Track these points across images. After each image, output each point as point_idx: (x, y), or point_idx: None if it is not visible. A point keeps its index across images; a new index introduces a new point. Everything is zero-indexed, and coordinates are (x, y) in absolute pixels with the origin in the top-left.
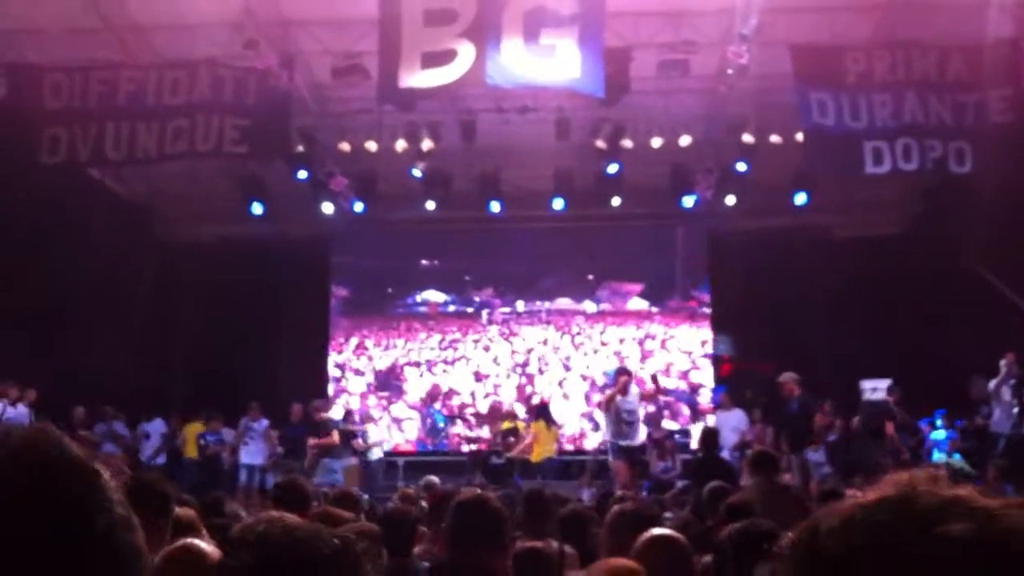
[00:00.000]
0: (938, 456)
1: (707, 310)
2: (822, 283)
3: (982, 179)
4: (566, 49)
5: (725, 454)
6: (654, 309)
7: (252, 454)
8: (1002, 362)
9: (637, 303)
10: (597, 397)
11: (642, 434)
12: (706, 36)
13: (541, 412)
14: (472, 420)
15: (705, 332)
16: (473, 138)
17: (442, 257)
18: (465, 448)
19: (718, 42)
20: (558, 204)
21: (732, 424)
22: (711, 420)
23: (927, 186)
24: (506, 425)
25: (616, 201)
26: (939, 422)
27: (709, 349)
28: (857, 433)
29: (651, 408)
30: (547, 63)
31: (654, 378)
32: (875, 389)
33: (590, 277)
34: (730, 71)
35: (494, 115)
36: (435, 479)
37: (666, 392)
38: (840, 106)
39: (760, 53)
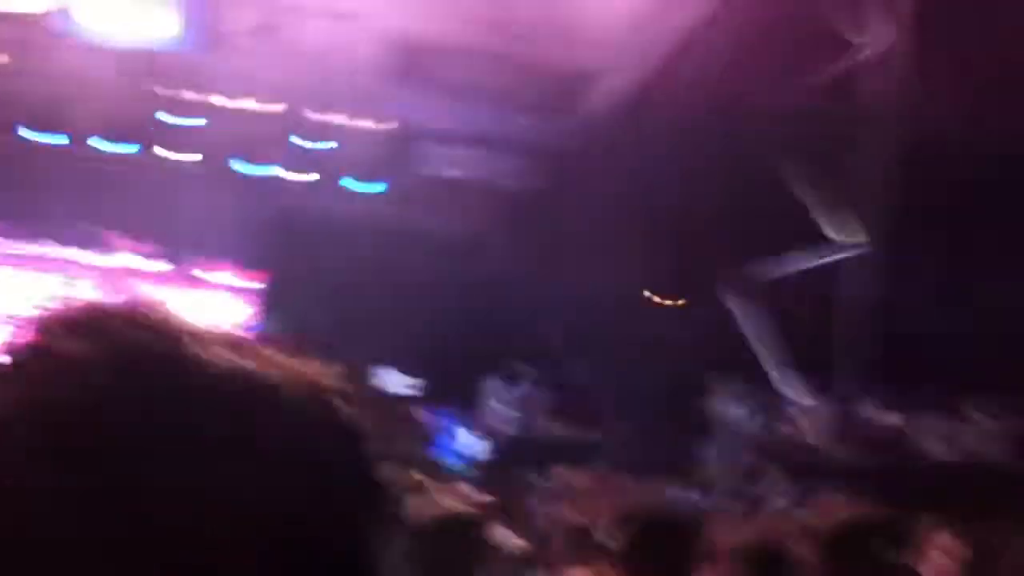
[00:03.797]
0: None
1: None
2: (383, 274)
3: (542, 198)
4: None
5: None
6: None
7: None
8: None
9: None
10: None
11: None
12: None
13: None
14: None
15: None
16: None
17: None
18: None
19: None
20: (122, 148)
21: None
22: None
23: (493, 197)
24: None
25: (193, 156)
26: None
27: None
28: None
29: None
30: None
31: None
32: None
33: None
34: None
35: None
36: None
37: None
38: (420, 104)
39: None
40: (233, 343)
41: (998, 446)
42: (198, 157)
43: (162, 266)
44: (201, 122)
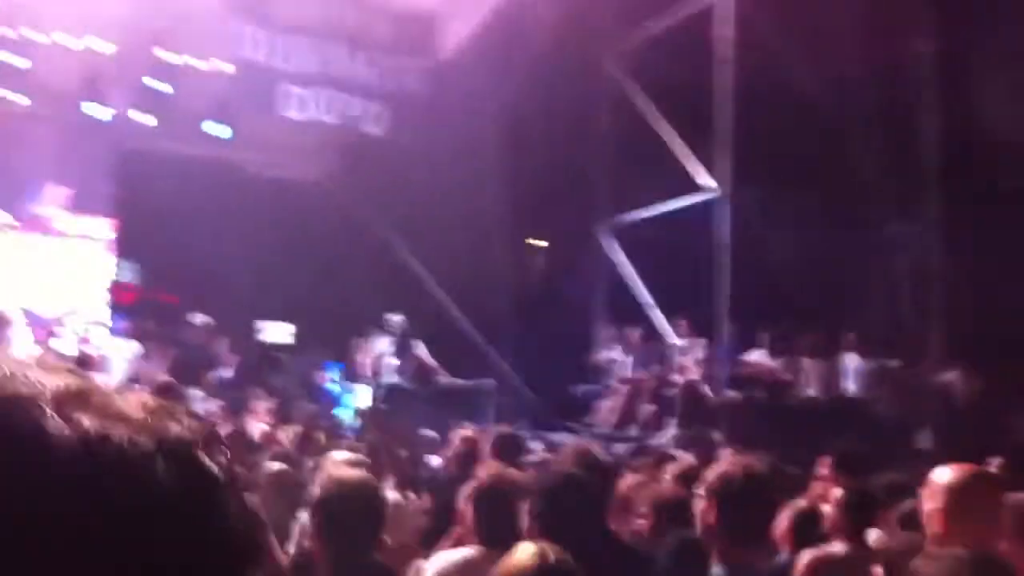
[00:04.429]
0: (338, 409)
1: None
2: (234, 219)
3: (396, 143)
4: None
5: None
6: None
7: None
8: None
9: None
10: None
11: None
12: None
13: None
14: None
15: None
16: None
17: None
18: None
19: None
20: None
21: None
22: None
23: (346, 140)
24: None
25: (20, 98)
26: (336, 376)
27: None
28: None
29: None
30: None
31: None
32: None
33: None
34: None
35: None
36: None
37: None
38: (271, 44)
39: None
40: (73, 394)
41: (869, 386)
42: (34, 99)
43: (6, 216)
44: (36, 62)
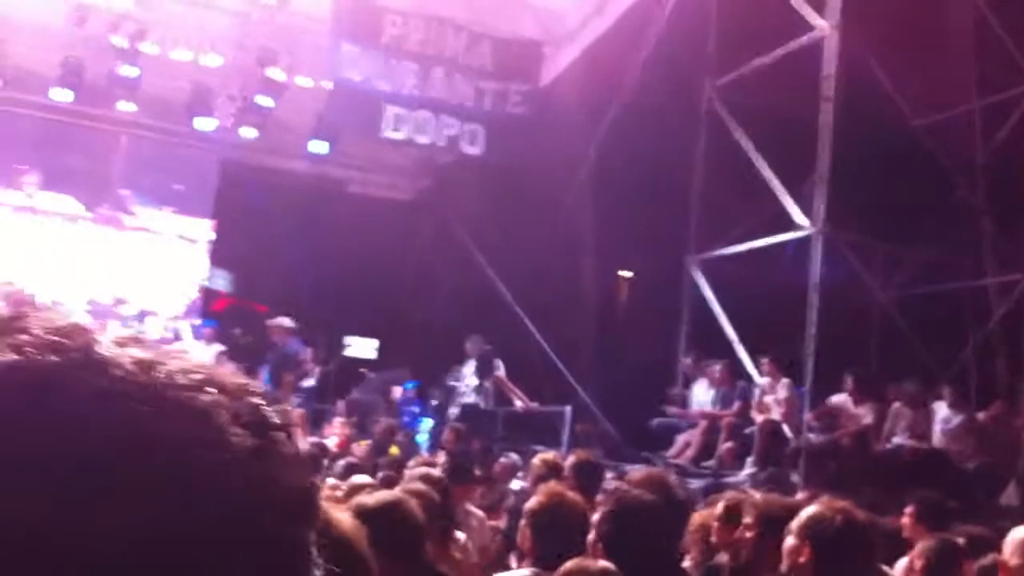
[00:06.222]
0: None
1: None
2: (329, 234)
3: (491, 164)
4: None
5: None
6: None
7: None
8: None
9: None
10: None
11: None
12: None
13: None
14: None
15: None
16: None
17: None
18: None
19: None
20: (61, 95)
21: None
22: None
23: (441, 160)
24: None
25: (128, 107)
26: (415, 393)
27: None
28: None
29: None
30: None
31: None
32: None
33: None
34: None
35: None
36: None
37: None
38: (370, 64)
39: None
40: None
41: (956, 437)
42: (141, 107)
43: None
44: (145, 73)
